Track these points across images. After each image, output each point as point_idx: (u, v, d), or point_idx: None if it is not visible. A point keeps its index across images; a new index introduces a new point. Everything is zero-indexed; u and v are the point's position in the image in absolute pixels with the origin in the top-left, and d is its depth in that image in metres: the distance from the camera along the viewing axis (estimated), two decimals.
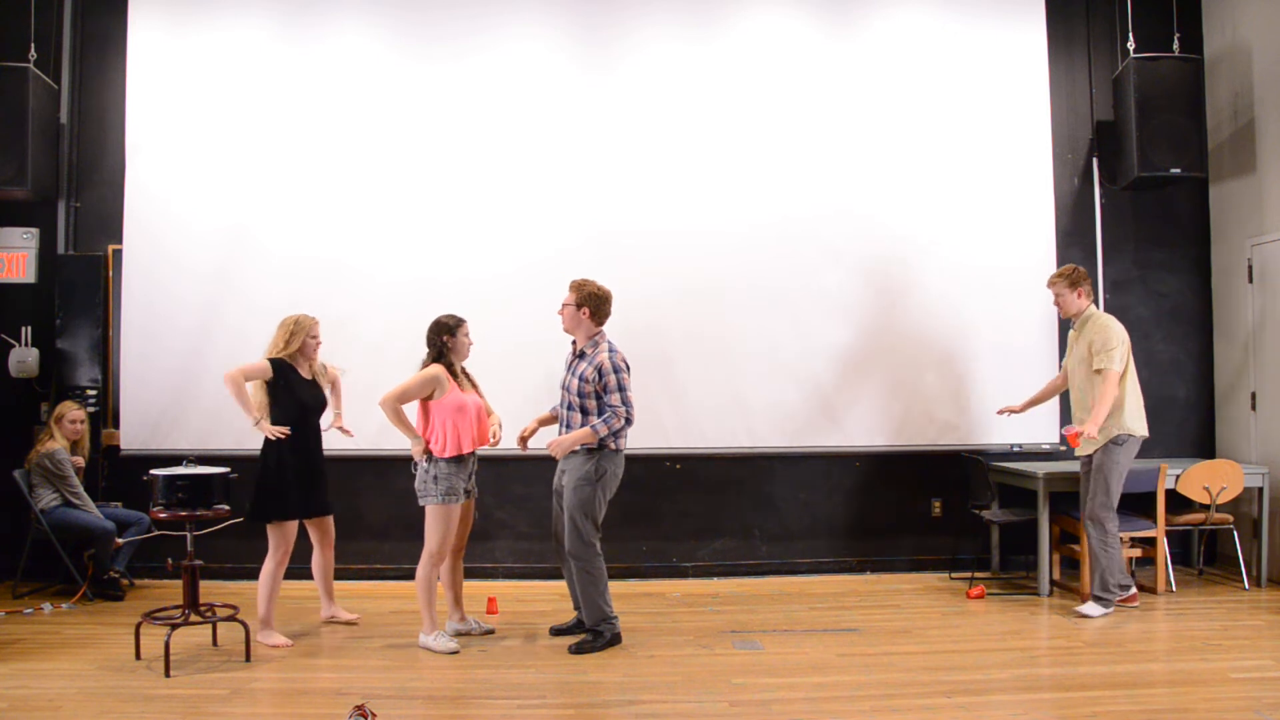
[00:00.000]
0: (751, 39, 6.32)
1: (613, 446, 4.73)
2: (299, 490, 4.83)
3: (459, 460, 4.72)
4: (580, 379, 4.72)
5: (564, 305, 4.84)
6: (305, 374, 4.96)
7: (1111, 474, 5.24)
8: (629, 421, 4.71)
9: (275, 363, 4.83)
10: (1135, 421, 5.27)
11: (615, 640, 4.77)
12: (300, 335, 4.89)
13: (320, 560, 5.14)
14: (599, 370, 4.69)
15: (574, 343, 4.89)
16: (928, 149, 6.33)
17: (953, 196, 6.32)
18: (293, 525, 4.85)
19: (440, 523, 4.69)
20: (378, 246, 6.14)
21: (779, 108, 6.30)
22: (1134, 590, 5.44)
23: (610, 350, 4.76)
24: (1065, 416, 6.38)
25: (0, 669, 4.34)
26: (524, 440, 4.99)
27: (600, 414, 4.70)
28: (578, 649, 4.68)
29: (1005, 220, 6.35)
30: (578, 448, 4.72)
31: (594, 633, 4.76)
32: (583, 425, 4.69)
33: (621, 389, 4.70)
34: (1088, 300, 5.41)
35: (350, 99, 6.19)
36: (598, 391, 4.70)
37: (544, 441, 4.90)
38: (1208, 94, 6.33)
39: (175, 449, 5.78)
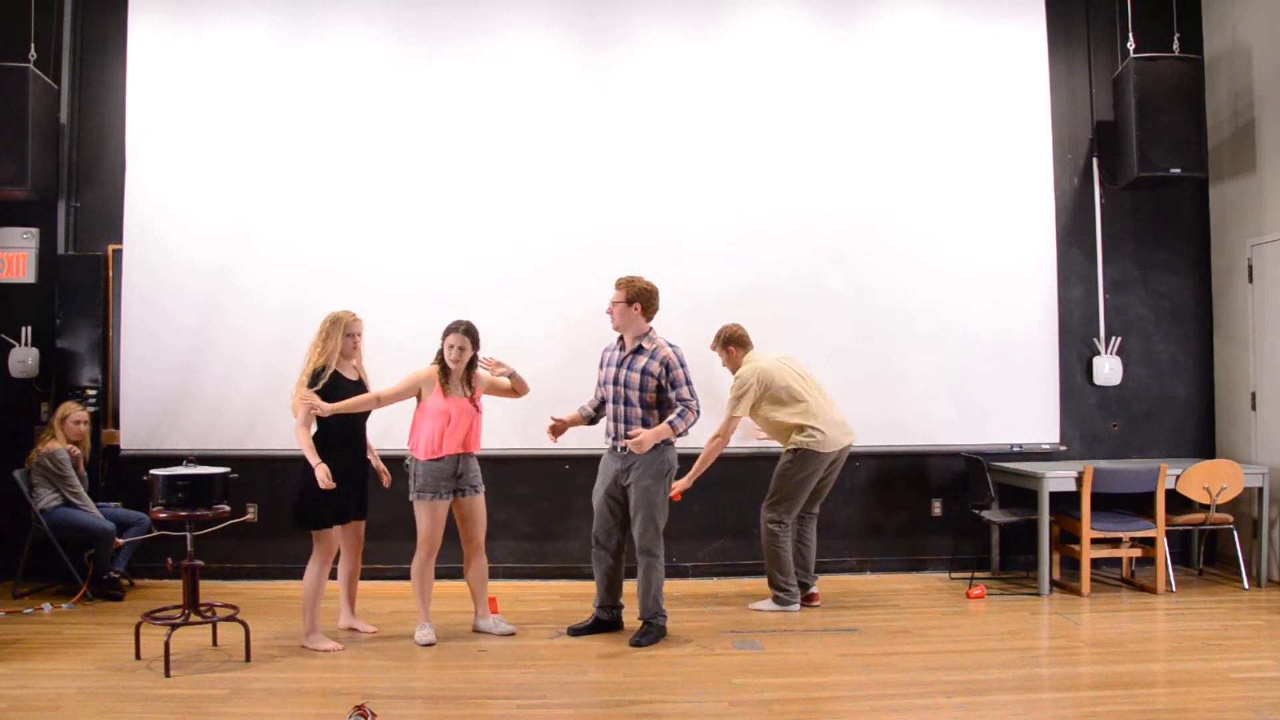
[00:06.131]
0: (752, 39, 6.32)
1: (672, 439, 4.81)
2: (341, 497, 4.67)
3: (437, 461, 4.75)
4: (643, 374, 4.75)
5: (613, 303, 4.82)
6: (350, 375, 4.78)
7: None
8: (698, 414, 4.78)
9: (316, 377, 4.61)
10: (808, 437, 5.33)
11: (663, 633, 4.88)
12: (336, 334, 4.69)
13: (346, 565, 4.97)
14: (665, 365, 4.74)
15: (621, 339, 4.90)
16: (928, 148, 6.32)
17: (953, 196, 6.32)
18: (335, 531, 4.75)
19: (421, 517, 4.79)
20: (378, 246, 6.13)
21: (779, 107, 6.29)
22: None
23: (670, 345, 4.82)
24: (1064, 415, 6.40)
25: (0, 669, 4.34)
26: (555, 433, 4.99)
27: (661, 407, 4.76)
28: (638, 642, 4.76)
29: (1005, 220, 6.35)
30: None
31: (648, 625, 4.84)
32: (643, 420, 4.74)
33: (689, 382, 4.77)
34: (742, 350, 5.46)
35: (351, 99, 6.18)
36: (661, 385, 4.74)
37: (559, 441, 5.07)
38: (1208, 94, 6.32)
39: (175, 449, 5.79)
